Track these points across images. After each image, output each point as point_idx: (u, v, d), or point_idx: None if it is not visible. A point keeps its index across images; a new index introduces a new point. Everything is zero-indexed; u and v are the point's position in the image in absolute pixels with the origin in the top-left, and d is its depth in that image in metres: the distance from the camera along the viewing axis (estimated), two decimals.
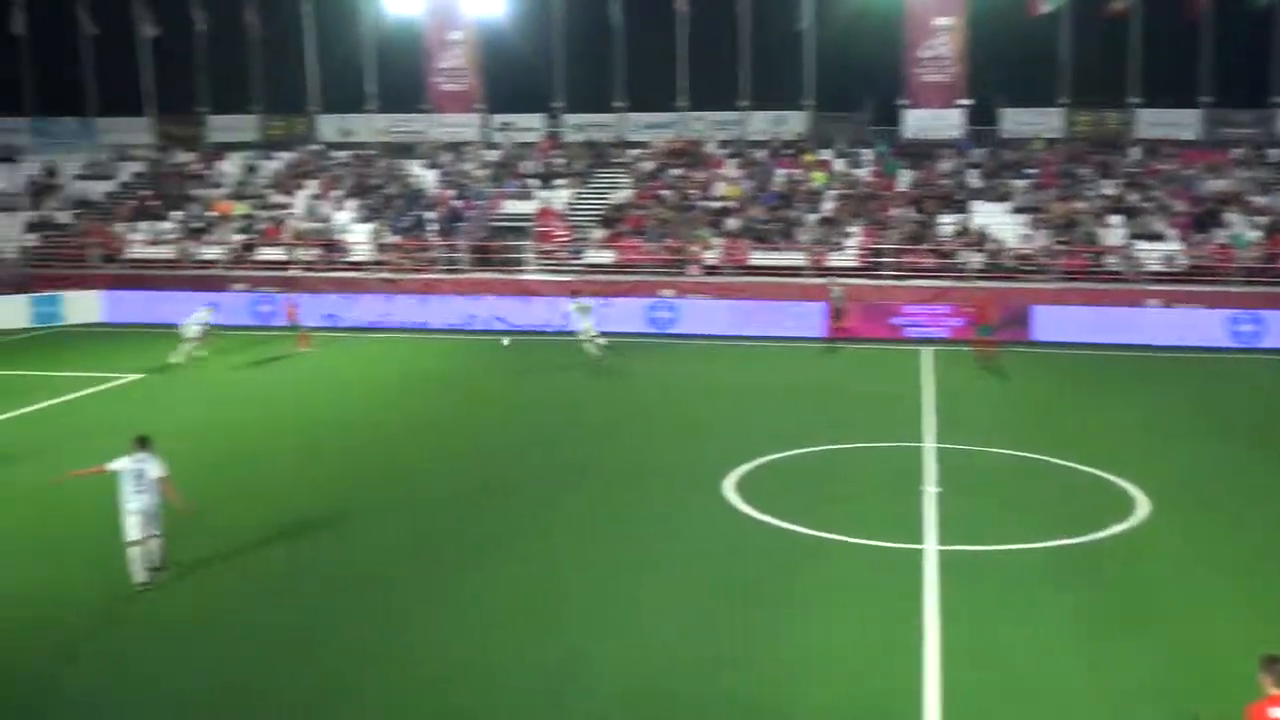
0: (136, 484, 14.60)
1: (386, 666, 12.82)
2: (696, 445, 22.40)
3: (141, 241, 42.38)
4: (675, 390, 28.18)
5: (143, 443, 14.98)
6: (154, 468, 14.76)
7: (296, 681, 12.51)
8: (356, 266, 40.09)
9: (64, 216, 44.86)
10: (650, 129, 46.44)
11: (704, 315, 36.22)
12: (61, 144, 49.14)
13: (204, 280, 39.89)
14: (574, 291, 32.91)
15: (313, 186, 44.66)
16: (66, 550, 16.45)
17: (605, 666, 12.81)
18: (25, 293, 39.91)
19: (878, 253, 37.61)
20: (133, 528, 14.61)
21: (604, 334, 31.19)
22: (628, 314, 36.17)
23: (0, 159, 47.60)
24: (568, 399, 27.34)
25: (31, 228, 43.82)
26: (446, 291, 38.27)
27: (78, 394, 27.17)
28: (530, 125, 47.43)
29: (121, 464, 14.69)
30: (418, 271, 39.26)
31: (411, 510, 18.45)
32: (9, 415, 24.87)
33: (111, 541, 15.05)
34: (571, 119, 47.16)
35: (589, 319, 30.72)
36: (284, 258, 40.62)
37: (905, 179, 41.87)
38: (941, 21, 43.93)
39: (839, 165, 42.88)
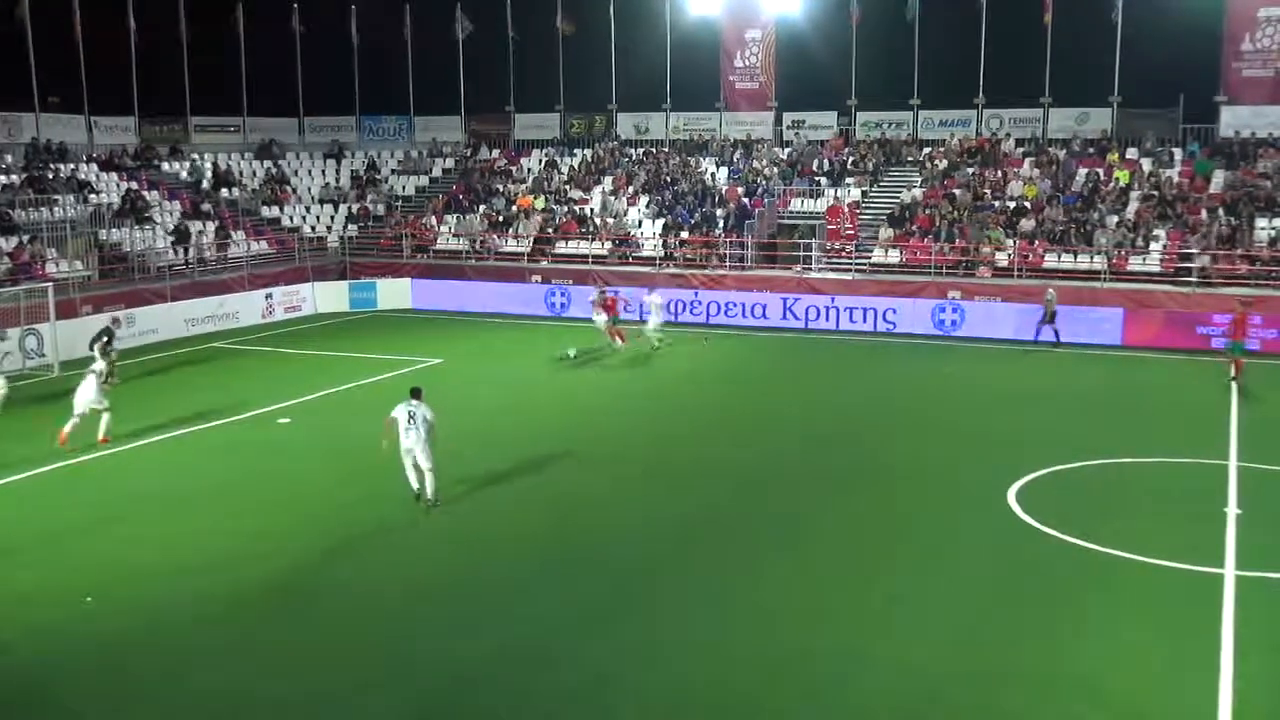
0: (408, 425, 17.97)
1: (669, 653, 13.38)
2: (980, 451, 22.03)
3: (448, 233, 45.02)
4: (960, 394, 27.74)
5: (415, 393, 18.46)
6: (425, 411, 18.05)
7: (585, 653, 13.26)
8: (647, 261, 41.21)
9: (381, 209, 48.19)
10: (944, 126, 45.58)
11: (992, 318, 35.29)
12: (384, 141, 52.81)
13: (504, 272, 42.01)
14: (651, 287, 34.78)
15: (608, 182, 46.21)
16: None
17: (879, 667, 12.94)
18: (345, 279, 43.22)
19: (1184, 257, 35.61)
20: (407, 461, 18.22)
21: (868, 334, 30.97)
22: (913, 315, 35.74)
23: (329, 155, 51.50)
24: (850, 399, 27.36)
25: (351, 219, 47.29)
26: (731, 287, 38.84)
27: (388, 375, 29.23)
28: (822, 123, 47.43)
29: (398, 411, 18.13)
30: (705, 267, 40.01)
31: (690, 497, 19.01)
32: (328, 391, 27.15)
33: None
34: (864, 116, 46.84)
35: (659, 315, 33.05)
36: (582, 252, 42.19)
37: (1219, 180, 39.39)
38: (1268, 12, 41.00)
39: (1145, 164, 40.78)
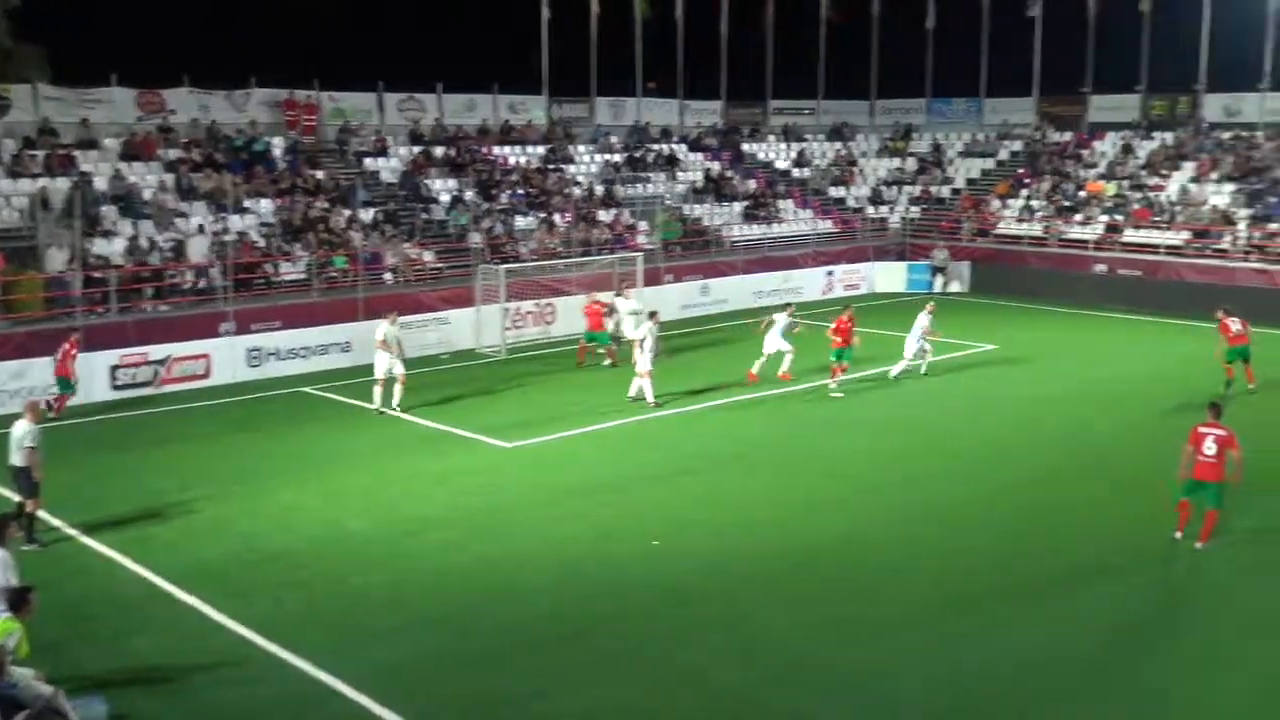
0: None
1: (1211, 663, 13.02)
2: None
3: (1012, 218, 44.41)
4: None
5: (652, 315, 25.25)
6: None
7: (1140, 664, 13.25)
8: (1225, 255, 38.32)
9: (944, 191, 48.45)
10: None
11: None
12: (952, 123, 52.88)
13: (1067, 260, 40.86)
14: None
15: (1189, 169, 43.33)
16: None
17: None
18: (904, 260, 44.06)
19: None
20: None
21: None
22: None
23: (898, 138, 52.44)
24: None
25: (914, 201, 47.98)
26: None
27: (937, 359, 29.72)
28: None
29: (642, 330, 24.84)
30: None
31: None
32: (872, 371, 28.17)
33: None
34: None
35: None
36: (1154, 241, 40.05)
37: None
38: None
39: None
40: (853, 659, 13.55)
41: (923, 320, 27.97)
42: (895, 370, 27.81)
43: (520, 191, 39.75)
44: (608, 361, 29.48)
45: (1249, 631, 14.16)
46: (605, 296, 30.70)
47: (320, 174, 36.68)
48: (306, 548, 17.05)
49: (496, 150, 42.02)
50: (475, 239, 35.52)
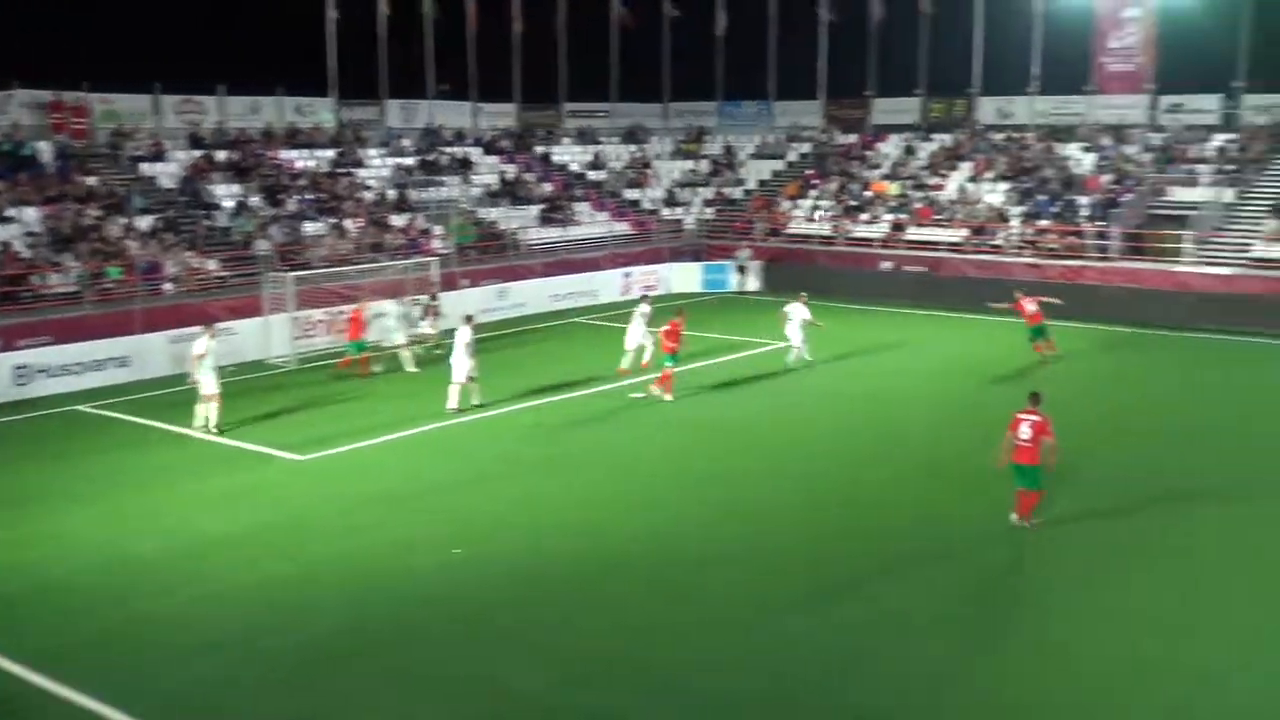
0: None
1: (1040, 655, 13.46)
2: None
3: (801, 218, 45.53)
4: None
5: (468, 319, 24.74)
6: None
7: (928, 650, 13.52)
8: (1000, 250, 40.15)
9: (737, 193, 49.34)
10: None
11: None
12: (743, 125, 53.90)
13: (856, 258, 42.11)
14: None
15: (966, 169, 45.28)
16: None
17: (1234, 695, 12.51)
18: (699, 261, 44.63)
19: None
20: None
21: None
22: None
23: (686, 140, 53.13)
24: (1216, 406, 25.78)
25: (708, 203, 48.67)
26: (1093, 279, 37.24)
27: (730, 357, 30.12)
28: (1204, 106, 44.32)
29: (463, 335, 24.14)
30: (1065, 258, 38.54)
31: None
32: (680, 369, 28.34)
33: None
34: (1252, 99, 43.37)
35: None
36: (935, 239, 41.66)
37: None
38: None
39: None
40: (668, 658, 13.46)
41: (803, 311, 28.93)
42: (791, 358, 29.01)
43: (309, 196, 38.57)
44: (377, 368, 28.96)
45: (1077, 618, 14.70)
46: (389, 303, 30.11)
47: (92, 180, 34.73)
48: (86, 575, 15.99)
49: (283, 154, 40.68)
50: (262, 246, 34.25)
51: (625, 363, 27.73)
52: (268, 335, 30.65)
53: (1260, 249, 36.25)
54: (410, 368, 29.10)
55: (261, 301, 30.91)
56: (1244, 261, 36.09)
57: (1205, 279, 35.80)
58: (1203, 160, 41.39)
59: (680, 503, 19.01)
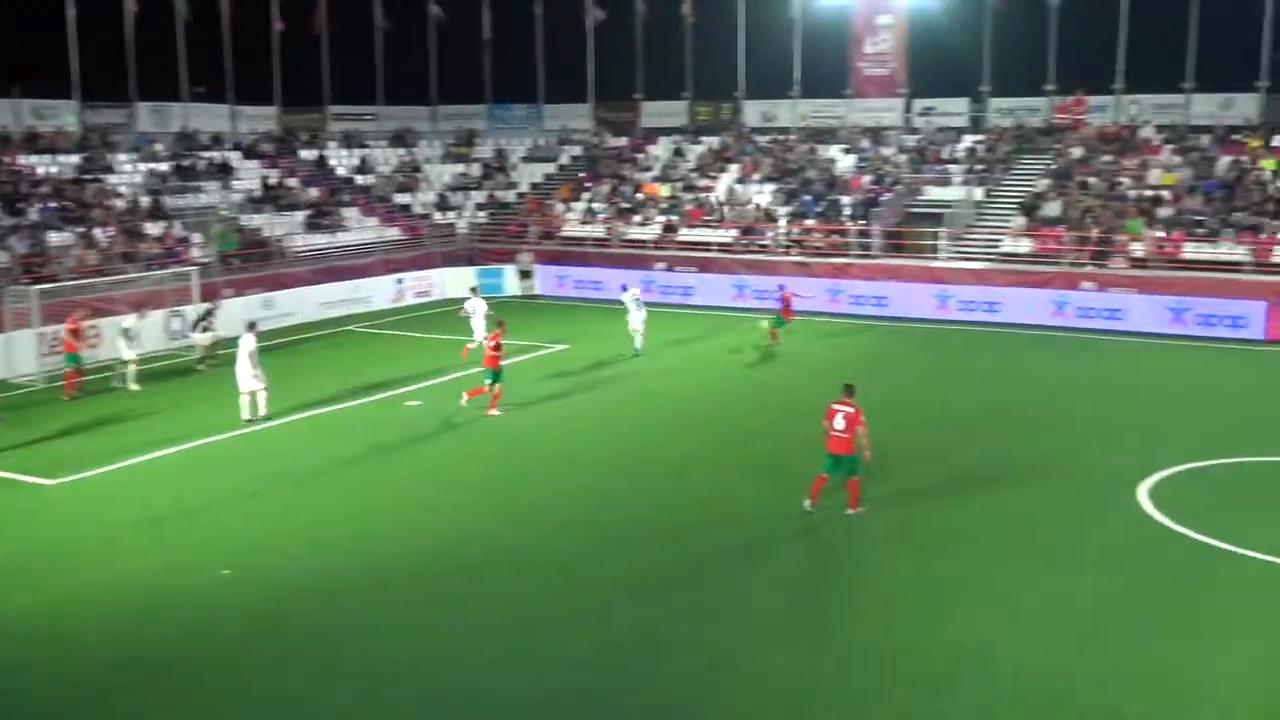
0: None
1: (790, 639, 13.50)
2: (1112, 446, 21.60)
3: (575, 220, 45.50)
4: (1093, 388, 27.09)
5: (251, 326, 23.97)
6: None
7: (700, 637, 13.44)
8: (768, 249, 41.08)
9: (509, 196, 48.93)
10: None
11: (1127, 310, 34.34)
12: (514, 128, 53.54)
13: (630, 259, 42.30)
14: (625, 286, 32.54)
15: (734, 170, 46.17)
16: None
17: (999, 665, 12.84)
18: (474, 265, 43.99)
19: None
20: None
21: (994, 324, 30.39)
22: (1041, 306, 35.02)
23: (458, 143, 52.41)
24: (972, 394, 26.96)
25: (480, 206, 48.10)
26: (857, 276, 38.54)
27: (514, 360, 29.76)
28: (953, 110, 46.64)
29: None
30: (830, 256, 39.72)
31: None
32: (457, 375, 27.78)
33: None
34: (997, 103, 45.90)
35: (641, 310, 31.07)
36: (706, 239, 42.26)
37: None
38: None
39: None
40: (447, 666, 13.04)
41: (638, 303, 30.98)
42: (639, 343, 30.80)
43: (53, 205, 36.09)
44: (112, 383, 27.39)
45: (854, 604, 14.93)
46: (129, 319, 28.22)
47: None
48: None
49: (22, 160, 37.98)
50: (1, 258, 31.82)
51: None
52: (9, 353, 28.47)
53: (1009, 244, 38.25)
54: (132, 385, 27.32)
55: (1, 317, 28.71)
56: (994, 256, 38.01)
57: (959, 273, 37.52)
58: (954, 161, 43.48)
59: (457, 509, 18.51)
